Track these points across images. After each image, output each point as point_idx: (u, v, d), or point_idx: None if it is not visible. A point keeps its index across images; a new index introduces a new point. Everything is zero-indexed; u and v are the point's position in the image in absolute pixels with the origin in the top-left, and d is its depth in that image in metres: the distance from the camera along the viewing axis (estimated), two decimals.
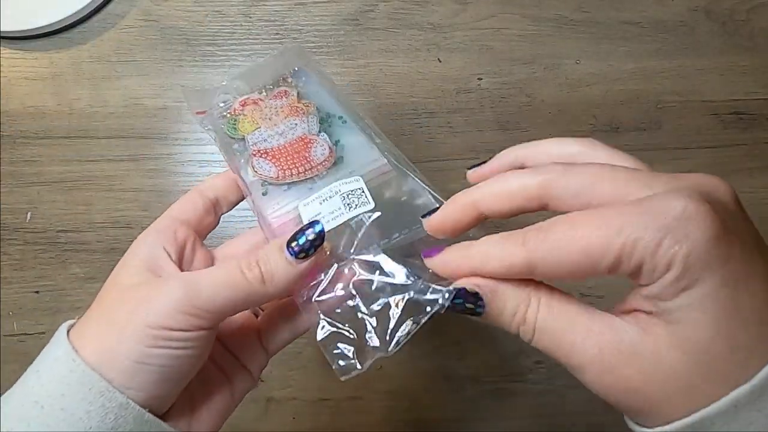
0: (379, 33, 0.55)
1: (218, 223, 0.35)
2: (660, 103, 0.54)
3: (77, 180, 0.51)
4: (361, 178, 0.31)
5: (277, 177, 0.33)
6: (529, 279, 0.22)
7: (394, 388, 0.49)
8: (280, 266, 0.27)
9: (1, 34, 0.53)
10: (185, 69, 0.54)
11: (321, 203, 0.31)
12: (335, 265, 0.29)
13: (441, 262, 0.24)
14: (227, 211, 0.35)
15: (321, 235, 0.27)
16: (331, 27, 0.55)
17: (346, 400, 0.49)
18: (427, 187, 0.31)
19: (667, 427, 0.20)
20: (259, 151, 0.34)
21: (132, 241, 0.49)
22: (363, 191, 0.31)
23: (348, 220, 0.30)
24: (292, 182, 0.33)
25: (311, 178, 0.32)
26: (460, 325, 0.49)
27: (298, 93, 0.37)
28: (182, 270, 0.30)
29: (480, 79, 0.54)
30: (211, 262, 0.33)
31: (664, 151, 0.53)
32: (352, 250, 0.29)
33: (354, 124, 0.35)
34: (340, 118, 0.36)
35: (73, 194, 0.51)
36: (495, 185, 0.23)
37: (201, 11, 0.55)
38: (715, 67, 0.54)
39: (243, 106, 0.37)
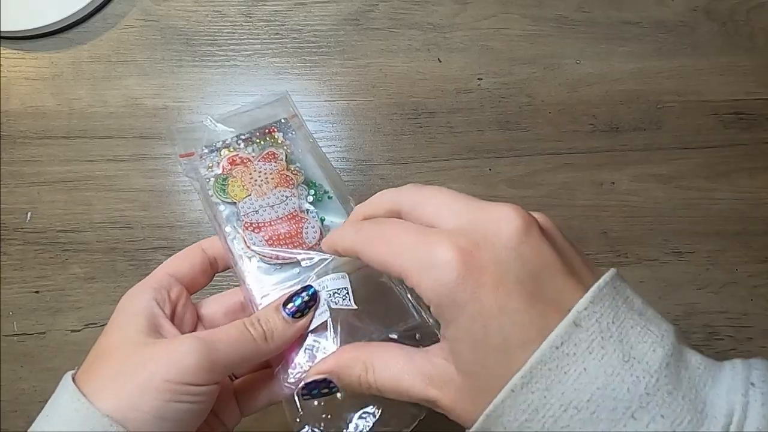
0: (379, 33, 0.55)
1: (210, 281, 0.36)
2: (660, 103, 0.54)
3: (77, 180, 0.51)
4: (347, 276, 0.33)
5: (270, 257, 0.34)
6: (361, 349, 0.28)
7: None
8: (278, 325, 0.30)
9: (1, 34, 0.53)
10: (185, 69, 0.54)
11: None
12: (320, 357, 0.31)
13: (324, 241, 0.31)
14: (222, 271, 0.36)
15: (314, 297, 0.31)
16: (331, 27, 0.55)
17: None
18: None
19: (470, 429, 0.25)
20: (251, 224, 0.35)
21: (132, 241, 0.49)
22: (348, 292, 0.32)
23: (330, 316, 0.32)
24: (283, 263, 0.34)
25: (300, 260, 0.34)
26: None
27: (286, 156, 0.38)
28: (176, 325, 0.31)
29: (480, 79, 0.54)
30: (196, 318, 0.34)
31: (664, 151, 0.53)
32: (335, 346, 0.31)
33: (338, 199, 0.37)
34: (326, 192, 0.37)
35: (73, 194, 0.51)
36: (373, 199, 0.30)
37: (201, 11, 0.55)
38: (715, 67, 0.54)
39: (231, 164, 0.37)
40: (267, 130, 0.39)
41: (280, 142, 0.39)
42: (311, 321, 0.31)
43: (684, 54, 0.55)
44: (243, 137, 0.39)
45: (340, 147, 0.52)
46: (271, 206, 0.36)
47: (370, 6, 0.55)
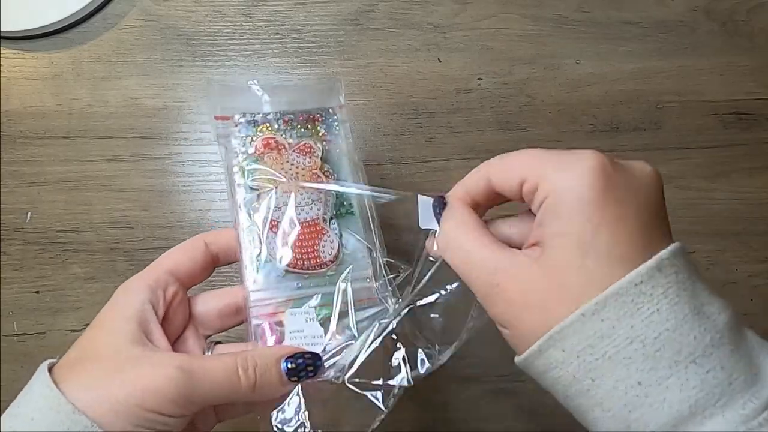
0: (379, 33, 0.55)
1: (209, 276, 0.35)
2: (660, 103, 0.54)
3: (77, 180, 0.51)
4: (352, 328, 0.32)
5: (282, 263, 0.33)
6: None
7: None
8: (273, 381, 0.29)
9: (1, 34, 0.53)
10: (185, 69, 0.54)
11: (306, 321, 0.32)
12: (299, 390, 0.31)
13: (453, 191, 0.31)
14: (223, 265, 0.35)
15: (318, 369, 0.30)
16: (331, 27, 0.55)
17: None
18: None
19: (529, 350, 0.25)
20: (271, 221, 0.33)
21: (132, 241, 0.49)
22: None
23: (323, 351, 0.31)
24: (292, 272, 0.33)
25: (309, 275, 0.33)
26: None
27: (322, 152, 0.36)
28: (162, 324, 0.31)
29: (480, 79, 0.54)
30: (188, 317, 0.34)
31: (664, 151, 0.53)
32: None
33: (359, 216, 0.35)
34: (350, 205, 0.35)
35: (73, 194, 0.51)
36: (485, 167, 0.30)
37: (201, 11, 0.55)
38: (715, 67, 0.54)
39: (266, 147, 0.35)
40: (311, 116, 0.37)
41: (320, 134, 0.37)
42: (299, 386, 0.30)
43: (684, 54, 0.55)
44: (285, 117, 0.36)
45: None
46: (294, 207, 0.34)
47: (370, 6, 0.55)
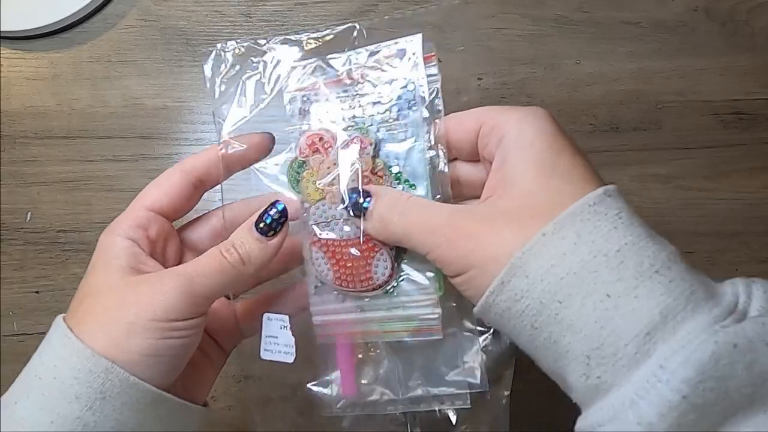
0: (379, 33, 0.55)
1: (197, 202, 0.34)
2: (660, 103, 0.54)
3: (77, 180, 0.51)
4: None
5: (333, 283, 0.31)
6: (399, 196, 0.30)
7: None
8: (254, 247, 0.29)
9: (1, 34, 0.53)
10: (185, 69, 0.54)
11: (281, 328, 0.32)
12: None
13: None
14: (211, 188, 0.34)
15: (284, 213, 0.30)
16: (331, 27, 0.55)
17: None
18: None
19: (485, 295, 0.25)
20: (319, 240, 0.31)
21: None
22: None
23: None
24: (347, 293, 0.31)
25: (365, 295, 0.31)
26: None
27: (375, 145, 0.30)
28: (158, 260, 0.31)
29: (480, 79, 0.54)
30: (180, 247, 0.34)
31: (664, 151, 0.53)
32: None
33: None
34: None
35: (73, 194, 0.51)
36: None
37: (201, 11, 0.55)
38: (715, 67, 0.54)
39: (310, 147, 0.31)
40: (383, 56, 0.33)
41: (390, 102, 0.32)
42: (282, 239, 0.30)
43: (684, 54, 0.55)
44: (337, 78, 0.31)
45: None
46: (344, 221, 0.30)
47: (370, 6, 0.55)
